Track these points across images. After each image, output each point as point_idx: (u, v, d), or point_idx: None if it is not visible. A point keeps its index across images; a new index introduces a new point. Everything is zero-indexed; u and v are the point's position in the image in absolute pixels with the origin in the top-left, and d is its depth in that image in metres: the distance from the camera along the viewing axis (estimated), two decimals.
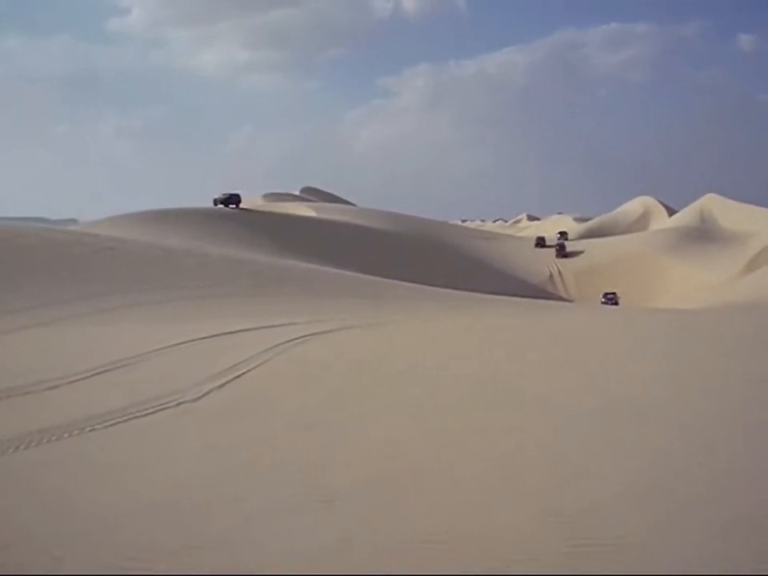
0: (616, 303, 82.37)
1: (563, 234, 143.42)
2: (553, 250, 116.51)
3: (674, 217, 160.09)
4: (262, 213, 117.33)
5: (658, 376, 16.36)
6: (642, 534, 7.34)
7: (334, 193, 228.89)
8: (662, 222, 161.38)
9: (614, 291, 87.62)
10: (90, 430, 11.54)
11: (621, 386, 15.15)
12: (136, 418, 12.31)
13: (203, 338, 21.43)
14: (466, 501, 8.36)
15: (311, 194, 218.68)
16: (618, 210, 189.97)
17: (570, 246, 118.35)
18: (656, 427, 11.61)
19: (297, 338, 21.53)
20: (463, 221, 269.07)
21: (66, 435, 11.25)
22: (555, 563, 6.84)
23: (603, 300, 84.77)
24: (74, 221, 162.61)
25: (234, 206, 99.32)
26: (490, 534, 7.44)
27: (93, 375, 15.90)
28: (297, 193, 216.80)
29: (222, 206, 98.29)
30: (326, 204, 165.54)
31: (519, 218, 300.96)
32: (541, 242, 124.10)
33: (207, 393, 14.22)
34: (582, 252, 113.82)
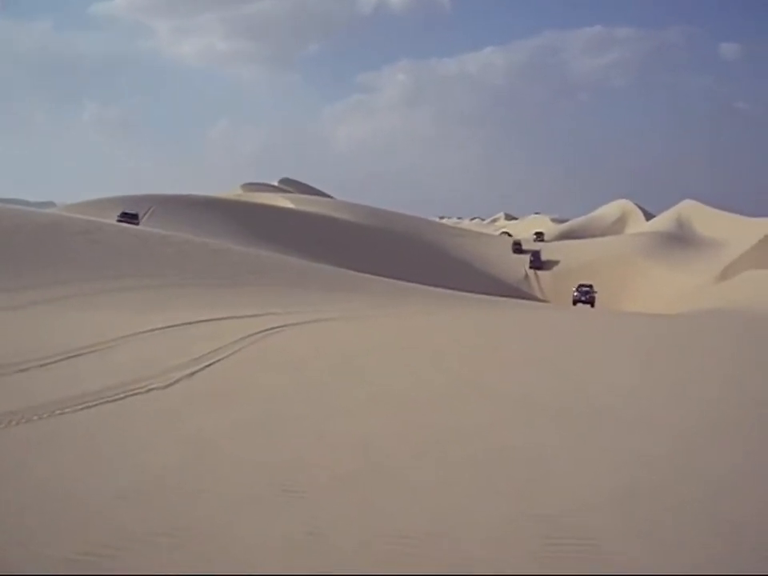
0: (591, 301, 75.72)
1: (539, 235, 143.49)
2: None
3: (651, 221, 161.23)
4: (241, 203, 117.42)
5: (636, 379, 16.42)
6: (620, 539, 7.29)
7: (313, 185, 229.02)
8: (639, 225, 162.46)
9: (590, 284, 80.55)
10: (59, 413, 11.39)
11: (598, 389, 15.18)
12: (106, 402, 12.17)
13: (177, 326, 21.31)
14: (440, 500, 8.29)
15: (289, 185, 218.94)
16: (596, 212, 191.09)
17: (546, 250, 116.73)
18: (634, 432, 11.60)
19: (271, 329, 21.46)
20: (440, 218, 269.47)
21: (34, 418, 11.10)
22: (526, 564, 6.78)
23: (576, 294, 77.45)
24: (51, 203, 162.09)
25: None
26: (462, 533, 7.37)
27: (63, 359, 15.74)
28: (275, 183, 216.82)
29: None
30: (304, 196, 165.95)
31: (497, 216, 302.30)
32: (518, 248, 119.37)
33: (177, 380, 14.10)
34: (557, 263, 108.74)
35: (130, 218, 75.03)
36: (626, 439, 11.12)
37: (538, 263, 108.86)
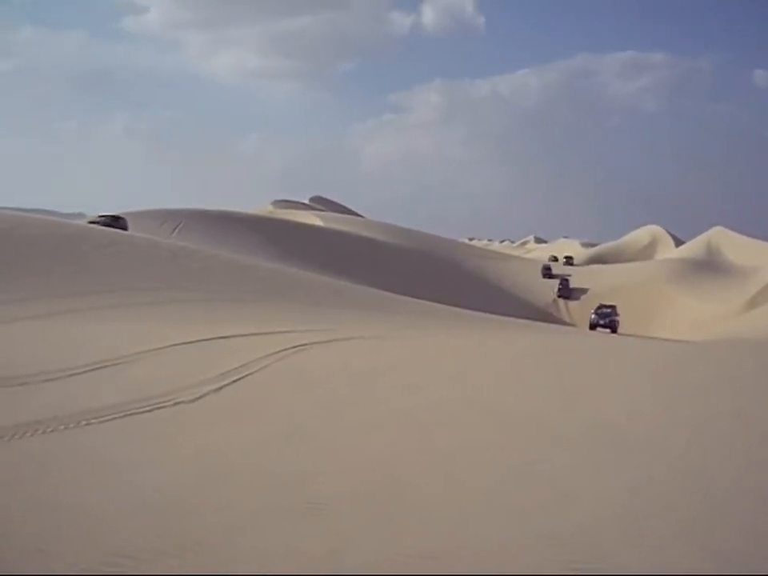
0: (612, 326, 64.36)
1: (569, 259, 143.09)
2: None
3: (681, 247, 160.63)
4: (271, 219, 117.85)
5: (649, 404, 16.37)
6: (634, 558, 7.32)
7: (343, 203, 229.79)
8: (668, 251, 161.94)
9: (612, 305, 70.27)
10: (85, 424, 11.52)
11: (610, 411, 15.16)
12: (132, 414, 12.29)
13: (204, 341, 21.42)
14: (453, 518, 8.32)
15: (320, 203, 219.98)
16: (626, 237, 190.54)
17: (575, 275, 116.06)
18: (642, 454, 11.58)
19: (298, 346, 21.52)
20: (470, 239, 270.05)
21: (61, 427, 11.23)
22: None
23: (593, 317, 66.06)
24: (81, 215, 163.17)
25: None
26: (477, 551, 7.41)
27: (90, 370, 15.88)
28: (306, 201, 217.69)
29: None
30: (335, 214, 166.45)
31: (526, 239, 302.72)
32: (548, 272, 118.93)
33: (204, 395, 14.19)
34: (586, 291, 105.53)
35: (111, 221, 65.13)
36: (631, 461, 11.11)
37: (566, 292, 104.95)
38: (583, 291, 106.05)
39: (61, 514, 7.87)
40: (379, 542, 7.54)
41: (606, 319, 63.91)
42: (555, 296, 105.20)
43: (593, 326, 64.02)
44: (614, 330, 62.87)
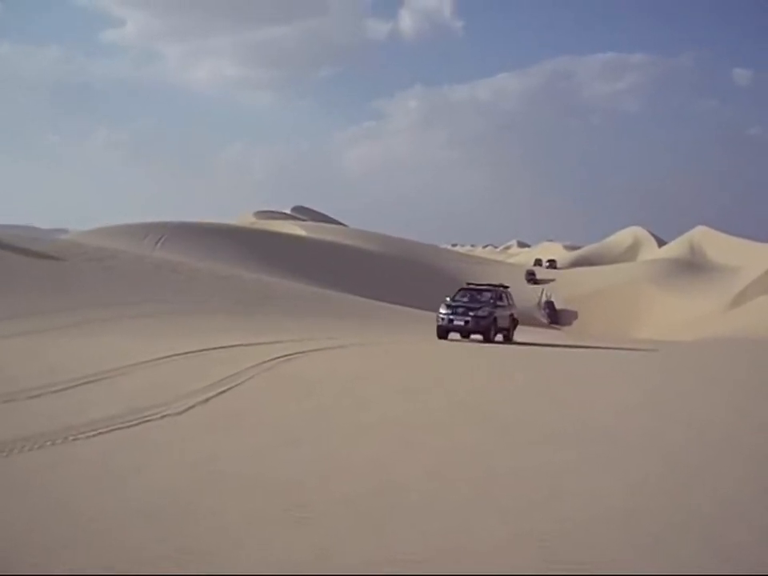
0: (485, 330, 32.05)
1: (552, 263, 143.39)
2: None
3: (663, 248, 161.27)
4: (254, 230, 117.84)
5: (635, 404, 16.48)
6: (623, 559, 7.32)
7: (325, 212, 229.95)
8: (651, 252, 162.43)
9: (500, 285, 36.31)
10: (72, 440, 11.50)
11: (597, 412, 15.30)
12: (119, 429, 12.27)
13: (189, 353, 21.40)
14: (444, 521, 8.34)
15: (302, 212, 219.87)
16: (609, 239, 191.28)
17: (559, 279, 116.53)
18: (636, 453, 11.68)
19: (283, 356, 21.55)
20: (453, 245, 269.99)
21: (48, 444, 11.21)
22: None
23: (444, 311, 32.49)
24: (64, 230, 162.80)
25: None
26: (468, 554, 7.42)
27: (76, 386, 15.86)
28: (288, 211, 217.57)
29: None
30: (317, 224, 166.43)
31: (509, 244, 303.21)
32: (532, 278, 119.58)
33: (191, 407, 14.18)
34: (576, 315, 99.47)
35: None
36: (620, 460, 11.20)
37: (555, 317, 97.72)
38: (573, 315, 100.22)
39: (49, 528, 7.86)
40: (366, 547, 7.54)
41: (468, 316, 32.07)
42: (546, 322, 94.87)
43: (444, 332, 32.78)
44: (486, 336, 32.46)
